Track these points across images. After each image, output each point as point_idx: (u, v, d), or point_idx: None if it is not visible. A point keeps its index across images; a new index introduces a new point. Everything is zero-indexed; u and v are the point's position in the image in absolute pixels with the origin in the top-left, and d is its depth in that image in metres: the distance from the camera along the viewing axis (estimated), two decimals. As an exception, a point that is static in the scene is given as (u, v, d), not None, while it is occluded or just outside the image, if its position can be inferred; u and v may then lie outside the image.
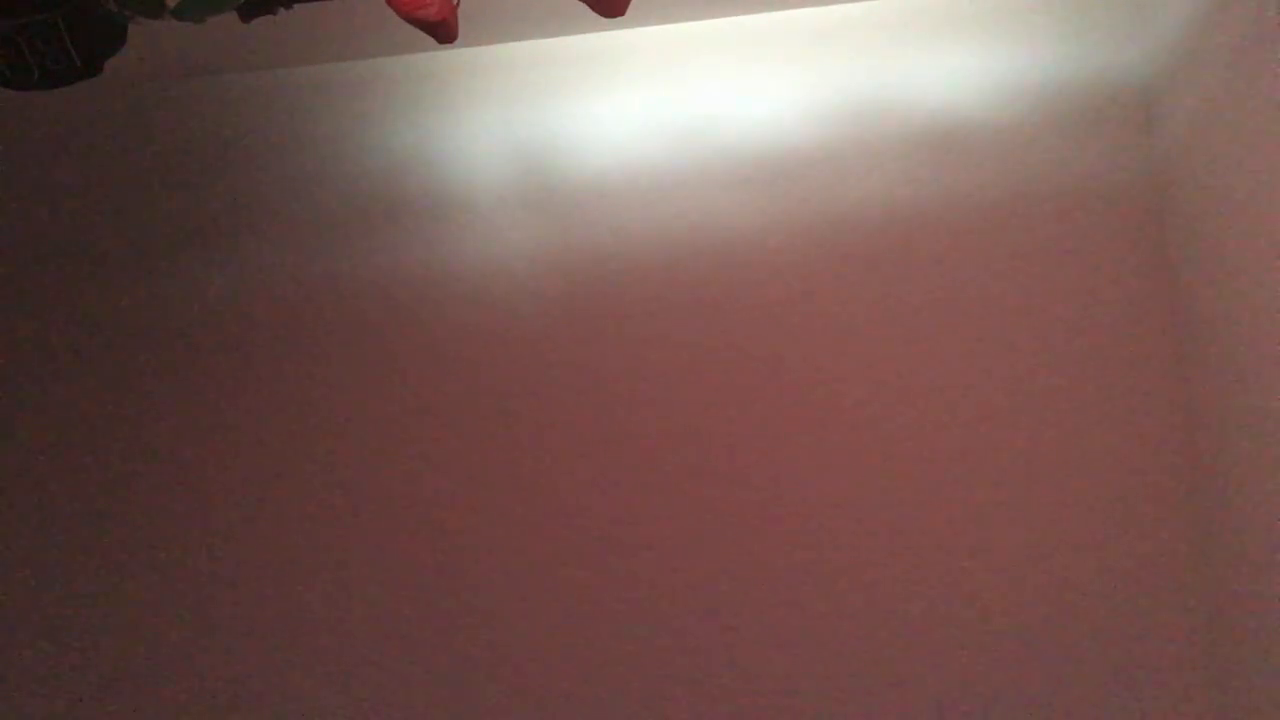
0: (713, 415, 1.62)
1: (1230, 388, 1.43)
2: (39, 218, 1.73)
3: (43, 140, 1.73)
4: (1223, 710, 1.52)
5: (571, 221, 1.66)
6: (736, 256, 1.63)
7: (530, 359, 1.65)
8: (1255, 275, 1.34)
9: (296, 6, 1.19)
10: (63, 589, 1.68)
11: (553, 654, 1.62)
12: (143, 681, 1.66)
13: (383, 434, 1.66)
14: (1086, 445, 1.57)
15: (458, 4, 1.12)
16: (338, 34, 1.57)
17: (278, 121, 1.70)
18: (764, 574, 1.60)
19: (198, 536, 1.67)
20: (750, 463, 1.61)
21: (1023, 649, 1.57)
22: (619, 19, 1.16)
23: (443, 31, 1.11)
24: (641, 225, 1.65)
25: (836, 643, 1.59)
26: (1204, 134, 1.44)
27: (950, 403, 1.59)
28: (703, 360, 1.63)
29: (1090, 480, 1.57)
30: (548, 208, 1.66)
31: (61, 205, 1.73)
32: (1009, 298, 1.59)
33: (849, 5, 1.62)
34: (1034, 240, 1.59)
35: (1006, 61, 1.61)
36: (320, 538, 1.66)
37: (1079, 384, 1.58)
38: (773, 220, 1.63)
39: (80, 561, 1.68)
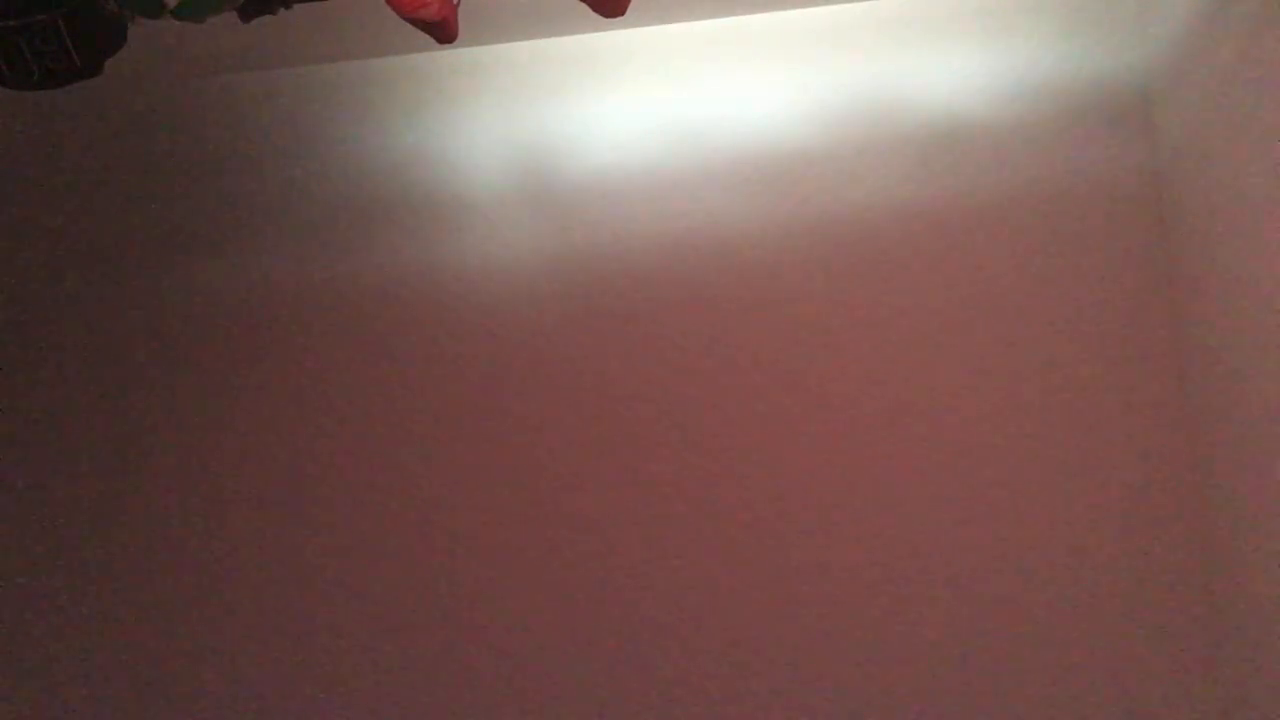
0: (713, 415, 1.62)
1: (1230, 388, 1.43)
2: (39, 218, 1.73)
3: (43, 140, 1.73)
4: (1223, 711, 1.52)
5: (571, 221, 1.66)
6: (736, 256, 1.63)
7: (530, 359, 1.65)
8: (1255, 275, 1.34)
9: (296, 6, 1.19)
10: (61, 588, 1.68)
11: (553, 653, 1.62)
12: (142, 680, 1.66)
13: (382, 433, 1.66)
14: (1086, 445, 1.57)
15: (458, 4, 1.12)
16: (338, 34, 1.57)
17: (278, 121, 1.70)
18: (764, 574, 1.60)
19: (196, 536, 1.67)
20: (751, 462, 1.61)
21: (1022, 648, 1.57)
22: (619, 19, 1.16)
23: (443, 31, 1.11)
24: (641, 225, 1.65)
25: (836, 642, 1.59)
26: (1204, 134, 1.44)
27: (950, 402, 1.59)
28: (703, 360, 1.63)
29: (1090, 480, 1.57)
30: (548, 208, 1.66)
31: (61, 205, 1.73)
32: (1009, 297, 1.59)
33: (849, 5, 1.62)
34: (1034, 240, 1.59)
35: (1006, 61, 1.61)
36: (319, 536, 1.66)
37: (1078, 384, 1.58)
38: (773, 220, 1.63)
39: (79, 561, 1.68)
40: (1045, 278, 1.59)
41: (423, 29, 1.10)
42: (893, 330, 1.61)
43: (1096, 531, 1.56)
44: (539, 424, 1.64)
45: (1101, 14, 1.60)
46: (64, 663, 1.67)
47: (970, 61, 1.61)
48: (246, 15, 1.17)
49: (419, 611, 1.64)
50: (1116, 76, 1.59)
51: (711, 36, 1.65)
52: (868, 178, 1.62)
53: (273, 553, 1.66)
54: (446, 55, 1.67)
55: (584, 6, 1.13)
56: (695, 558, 1.62)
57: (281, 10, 1.18)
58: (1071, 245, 1.59)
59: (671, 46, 1.65)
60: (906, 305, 1.61)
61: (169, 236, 1.71)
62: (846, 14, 1.62)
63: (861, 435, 1.60)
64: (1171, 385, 1.56)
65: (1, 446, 1.70)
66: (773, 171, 1.63)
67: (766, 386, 1.62)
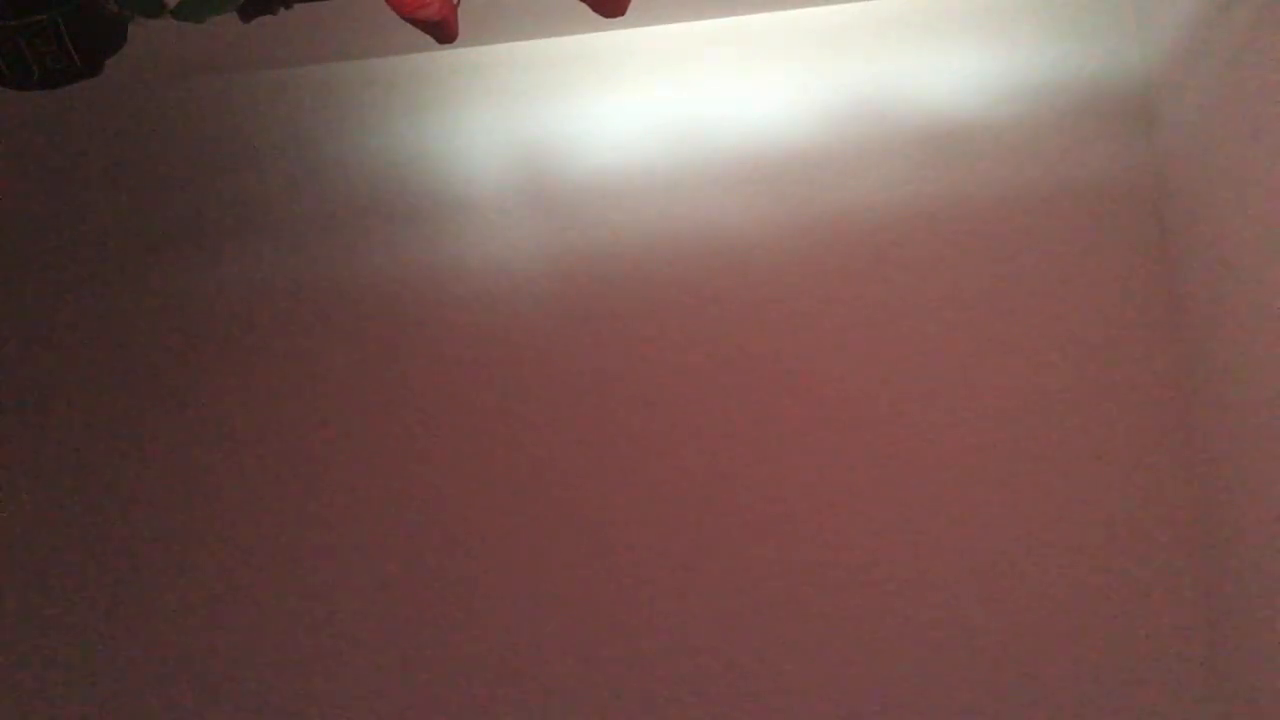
0: (713, 415, 1.62)
1: (1230, 388, 1.43)
2: (39, 218, 1.73)
3: (43, 140, 1.73)
4: (1222, 710, 1.52)
5: (571, 221, 1.66)
6: (736, 256, 1.63)
7: (530, 359, 1.65)
8: (1255, 275, 1.34)
9: (296, 6, 1.19)
10: (61, 588, 1.68)
11: (554, 654, 1.62)
12: (141, 680, 1.66)
13: (383, 434, 1.66)
14: (1086, 445, 1.57)
15: (458, 4, 1.12)
16: (338, 34, 1.57)
17: (278, 121, 1.70)
18: (764, 574, 1.60)
19: (197, 536, 1.67)
20: (751, 463, 1.61)
21: (1022, 648, 1.56)
22: (619, 19, 1.16)
23: (443, 31, 1.11)
24: (641, 225, 1.65)
25: (836, 642, 1.59)
26: (1204, 134, 1.44)
27: (950, 402, 1.59)
28: (703, 360, 1.63)
29: (1090, 479, 1.57)
30: (548, 208, 1.66)
31: (62, 205, 1.73)
32: (1009, 297, 1.59)
33: (849, 5, 1.62)
34: (1034, 240, 1.59)
35: (1007, 61, 1.61)
36: (319, 537, 1.66)
37: (1079, 383, 1.58)
38: (772, 220, 1.63)
39: (79, 561, 1.68)
40: (1045, 277, 1.59)
41: (423, 29, 1.10)
42: (893, 329, 1.60)
43: (1096, 531, 1.56)
44: (539, 423, 1.64)
45: (1102, 14, 1.60)
46: (64, 662, 1.67)
47: (970, 61, 1.61)
48: (246, 15, 1.17)
49: (418, 609, 1.64)
50: (1116, 76, 1.59)
51: (711, 36, 1.65)
52: (868, 178, 1.62)
53: (272, 550, 1.66)
54: (446, 55, 1.67)
55: (584, 6, 1.13)
56: (695, 556, 1.62)
57: (281, 10, 1.18)
58: (1071, 245, 1.59)
59: (671, 46, 1.65)
60: (906, 305, 1.61)
61: (169, 236, 1.71)
62: (846, 14, 1.62)
63: (861, 434, 1.60)
64: (1171, 385, 1.56)
65: (2, 445, 1.70)
66: (773, 171, 1.63)
67: (766, 385, 1.62)
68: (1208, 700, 1.53)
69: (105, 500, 1.68)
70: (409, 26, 1.10)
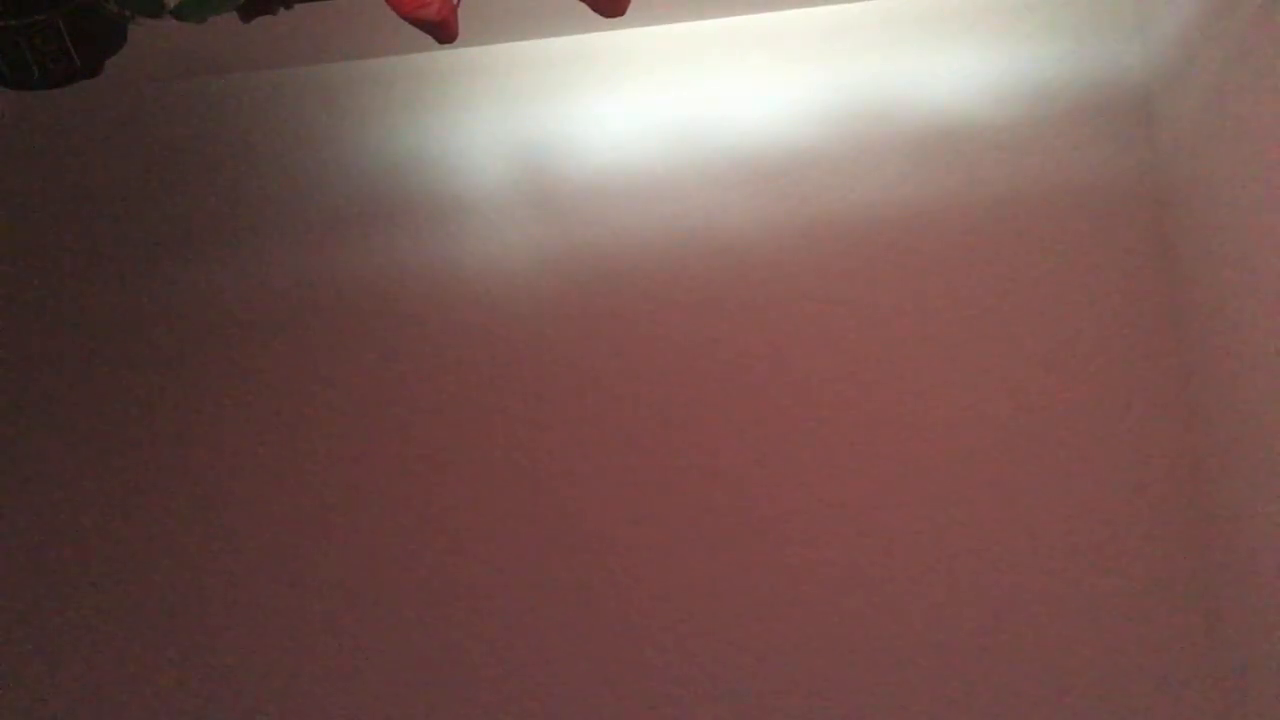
0: (713, 415, 1.62)
1: (1230, 388, 1.43)
2: (39, 218, 1.73)
3: (43, 140, 1.73)
4: (1221, 711, 1.52)
5: (571, 221, 1.66)
6: (736, 256, 1.63)
7: (530, 359, 1.65)
8: (1255, 275, 1.34)
9: (296, 6, 1.19)
10: (61, 587, 1.68)
11: (552, 653, 1.62)
12: (141, 680, 1.66)
13: (383, 434, 1.66)
14: (1086, 445, 1.57)
15: (458, 4, 1.12)
16: (338, 34, 1.58)
17: (278, 121, 1.71)
18: (763, 575, 1.60)
19: (197, 536, 1.67)
20: (750, 463, 1.61)
21: (1021, 649, 1.57)
22: (619, 19, 1.16)
23: (443, 31, 1.11)
24: (641, 225, 1.65)
25: (835, 643, 1.59)
26: (1204, 134, 1.44)
27: (949, 402, 1.59)
28: (703, 360, 1.63)
29: (1089, 480, 1.57)
30: (548, 208, 1.66)
31: (62, 205, 1.73)
32: (1008, 297, 1.59)
33: (849, 5, 1.62)
34: (1034, 240, 1.59)
35: (1006, 61, 1.61)
36: (319, 537, 1.66)
37: (1078, 384, 1.58)
38: (773, 220, 1.63)
39: (80, 560, 1.68)
40: (1045, 277, 1.59)
41: (423, 29, 1.10)
42: (893, 330, 1.61)
43: (1096, 531, 1.56)
44: (538, 423, 1.64)
45: (1101, 14, 1.60)
46: (63, 662, 1.67)
47: (970, 61, 1.61)
48: (246, 15, 1.17)
49: (418, 611, 1.64)
50: (1116, 76, 1.59)
51: (711, 36, 1.65)
52: (868, 178, 1.62)
53: (272, 552, 1.66)
54: (446, 55, 1.67)
55: (584, 6, 1.13)
56: (695, 557, 1.62)
57: (281, 10, 1.18)
58: (1071, 245, 1.59)
59: (671, 46, 1.65)
60: (906, 305, 1.61)
61: (169, 236, 1.71)
62: (846, 14, 1.62)
63: (861, 435, 1.60)
64: (1171, 385, 1.56)
65: (2, 445, 1.70)
66: (772, 171, 1.63)
67: (766, 386, 1.62)
68: (1208, 700, 1.53)
69: (104, 498, 1.68)
70: (409, 26, 1.10)
